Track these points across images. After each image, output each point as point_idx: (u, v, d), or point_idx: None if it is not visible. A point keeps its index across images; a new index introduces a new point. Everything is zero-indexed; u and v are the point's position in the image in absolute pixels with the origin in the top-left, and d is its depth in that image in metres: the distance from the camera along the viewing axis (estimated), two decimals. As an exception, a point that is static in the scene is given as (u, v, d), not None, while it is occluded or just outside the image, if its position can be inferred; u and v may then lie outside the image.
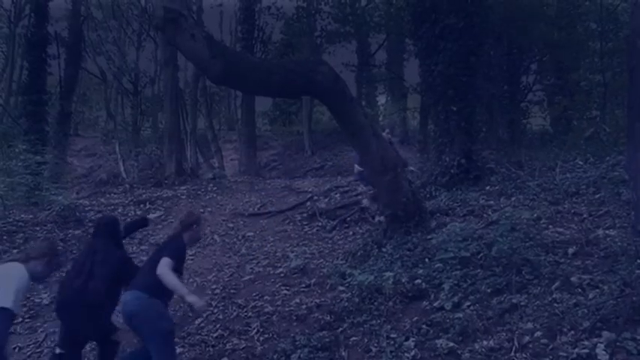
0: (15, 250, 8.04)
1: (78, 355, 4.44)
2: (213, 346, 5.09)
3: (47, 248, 4.14)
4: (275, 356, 4.64)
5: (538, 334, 3.73)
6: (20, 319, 6.27)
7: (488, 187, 8.06)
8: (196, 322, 5.72)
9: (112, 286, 4.29)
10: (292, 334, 4.96)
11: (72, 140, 19.96)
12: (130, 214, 10.58)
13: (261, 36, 19.78)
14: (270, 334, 5.21)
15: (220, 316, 5.73)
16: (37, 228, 8.99)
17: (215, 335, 5.35)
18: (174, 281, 4.01)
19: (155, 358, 4.07)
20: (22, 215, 9.70)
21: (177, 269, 4.21)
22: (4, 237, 8.44)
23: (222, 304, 6.06)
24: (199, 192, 12.85)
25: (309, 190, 11.64)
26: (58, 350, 4.36)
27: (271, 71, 5.84)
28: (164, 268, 4.02)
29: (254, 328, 5.25)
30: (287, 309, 5.66)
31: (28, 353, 5.47)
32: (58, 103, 17.27)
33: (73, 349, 4.37)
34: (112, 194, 13.91)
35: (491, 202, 7.26)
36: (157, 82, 23.36)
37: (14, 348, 5.59)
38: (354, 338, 4.65)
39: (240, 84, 6.23)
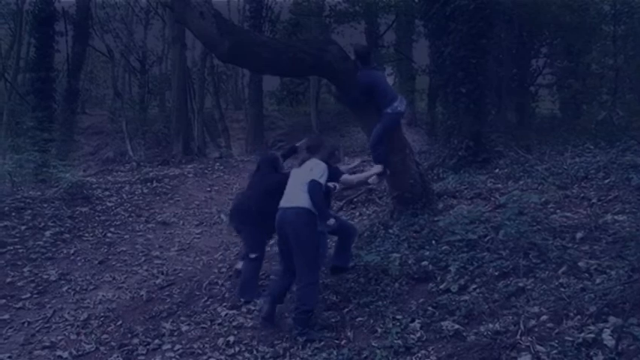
0: (23, 227, 8.11)
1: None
2: (219, 324, 5.12)
3: (320, 143, 5.39)
4: (280, 334, 4.67)
5: (544, 317, 3.71)
6: (28, 295, 6.34)
7: (496, 170, 8.02)
8: (202, 300, 5.76)
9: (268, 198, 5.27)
10: (298, 314, 4.98)
11: (79, 118, 19.91)
12: (137, 192, 10.62)
13: (270, 15, 19.64)
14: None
15: (227, 295, 5.76)
16: (45, 205, 9.03)
17: (222, 314, 5.38)
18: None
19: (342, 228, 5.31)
20: (30, 192, 9.74)
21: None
22: (13, 214, 8.48)
23: (229, 282, 6.08)
24: (206, 171, 12.89)
25: (316, 170, 11.60)
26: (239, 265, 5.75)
27: (280, 50, 5.77)
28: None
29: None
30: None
31: (37, 328, 5.52)
32: (65, 80, 17.25)
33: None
34: (119, 172, 13.98)
35: (499, 186, 7.23)
36: (164, 60, 23.35)
37: (22, 323, 5.65)
38: (359, 319, 4.67)
39: (248, 62, 6.16)
